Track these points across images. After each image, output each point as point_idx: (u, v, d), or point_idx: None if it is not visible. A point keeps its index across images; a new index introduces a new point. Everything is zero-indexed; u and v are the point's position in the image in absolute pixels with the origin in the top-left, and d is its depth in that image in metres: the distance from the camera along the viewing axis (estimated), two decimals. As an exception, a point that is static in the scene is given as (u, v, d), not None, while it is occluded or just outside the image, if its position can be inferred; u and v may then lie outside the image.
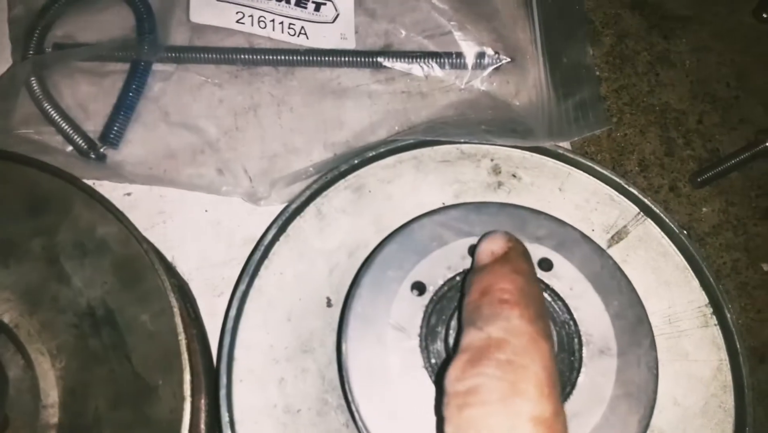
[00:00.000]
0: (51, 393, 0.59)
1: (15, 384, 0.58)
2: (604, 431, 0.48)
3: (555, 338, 0.50)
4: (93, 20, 0.80)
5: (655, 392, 0.49)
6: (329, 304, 0.62)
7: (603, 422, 0.48)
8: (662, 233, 0.64)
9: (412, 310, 0.51)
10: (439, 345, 0.51)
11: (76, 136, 0.74)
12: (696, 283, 0.63)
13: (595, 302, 0.51)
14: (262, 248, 0.62)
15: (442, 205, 0.62)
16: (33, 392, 0.58)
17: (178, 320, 0.58)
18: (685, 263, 0.63)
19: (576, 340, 0.51)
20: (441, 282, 0.52)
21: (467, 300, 0.42)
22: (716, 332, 0.61)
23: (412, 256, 0.53)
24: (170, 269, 0.68)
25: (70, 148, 0.74)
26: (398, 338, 0.50)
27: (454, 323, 0.49)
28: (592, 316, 0.51)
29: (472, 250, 0.53)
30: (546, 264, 0.53)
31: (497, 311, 0.39)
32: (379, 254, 0.54)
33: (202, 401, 0.62)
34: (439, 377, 0.46)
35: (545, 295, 0.52)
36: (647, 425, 0.48)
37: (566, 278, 0.52)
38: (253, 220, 0.72)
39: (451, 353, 0.49)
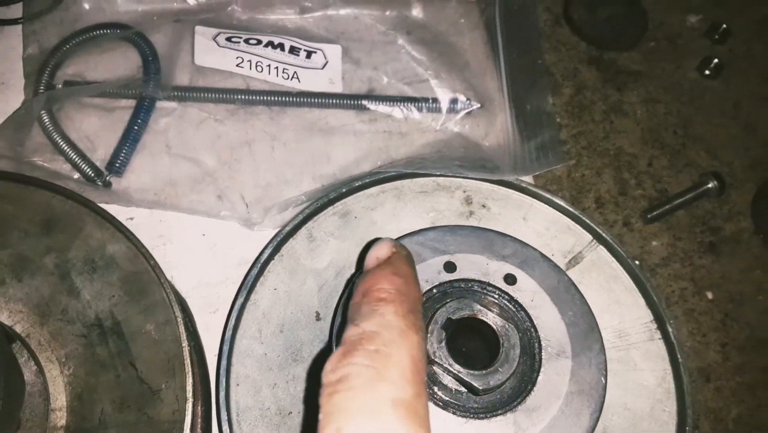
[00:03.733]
0: (60, 397, 0.64)
1: (27, 388, 0.63)
2: (561, 422, 0.55)
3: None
4: (101, 60, 0.88)
5: (604, 389, 0.57)
6: (318, 318, 0.68)
7: (559, 415, 0.55)
8: (613, 258, 0.72)
9: (394, 317, 0.58)
10: (418, 348, 0.58)
11: (83, 165, 0.81)
12: (642, 302, 0.71)
13: (553, 311, 0.59)
14: (258, 266, 0.69)
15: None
16: (43, 396, 0.63)
17: (181, 328, 0.64)
18: (633, 284, 0.71)
19: (536, 344, 0.58)
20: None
21: (351, 302, 0.45)
22: (660, 345, 0.69)
23: (394, 271, 0.60)
24: (172, 286, 0.74)
25: (77, 175, 0.81)
26: (382, 341, 0.57)
27: (431, 327, 0.56)
28: (550, 324, 0.59)
29: (448, 266, 0.61)
30: (511, 279, 0.61)
31: (374, 308, 0.42)
32: (366, 269, 0.61)
33: (200, 407, 0.68)
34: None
35: (510, 305, 0.60)
36: (598, 418, 0.56)
37: (528, 291, 0.60)
38: (246, 244, 0.79)
39: (431, 357, 0.56)
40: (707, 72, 1.04)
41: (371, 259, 0.48)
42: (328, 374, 0.38)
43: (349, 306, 0.44)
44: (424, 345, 0.42)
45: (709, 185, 0.94)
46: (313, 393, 0.37)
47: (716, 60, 1.04)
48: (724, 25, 1.06)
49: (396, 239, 0.63)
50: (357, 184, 0.74)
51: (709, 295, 0.91)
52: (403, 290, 0.44)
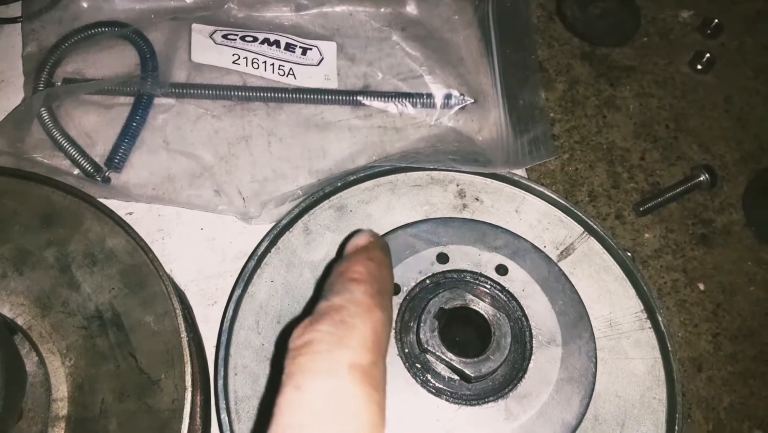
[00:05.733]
0: (61, 388, 0.65)
1: (29, 379, 0.65)
2: (551, 408, 0.56)
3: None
4: (100, 58, 0.89)
5: (594, 376, 0.58)
6: (314, 309, 0.70)
7: (550, 401, 0.56)
8: (603, 249, 0.74)
9: (388, 307, 0.59)
10: (412, 337, 0.59)
11: (82, 161, 0.82)
12: (633, 292, 0.72)
13: (543, 301, 0.60)
14: (255, 259, 0.70)
15: (414, 222, 0.71)
16: (45, 386, 0.65)
17: (180, 320, 0.65)
18: (623, 275, 0.72)
19: (527, 333, 0.59)
20: (413, 284, 0.61)
21: (326, 281, 0.48)
22: (650, 333, 0.70)
23: (388, 262, 0.61)
24: (170, 279, 0.75)
25: (77, 171, 0.82)
26: (376, 330, 0.58)
27: (424, 317, 0.58)
28: (540, 313, 0.60)
29: (440, 257, 0.62)
30: (502, 269, 0.62)
31: (346, 286, 0.45)
32: (360, 260, 0.62)
33: (198, 397, 0.69)
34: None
35: (501, 295, 0.61)
36: (588, 404, 0.57)
37: (519, 281, 0.61)
38: (243, 237, 0.80)
39: (424, 345, 0.57)
40: (699, 66, 1.05)
41: (350, 246, 0.52)
42: (295, 340, 0.41)
43: (324, 285, 0.47)
44: (388, 324, 0.45)
45: (701, 178, 0.95)
46: (280, 358, 0.40)
47: (708, 54, 1.05)
48: (716, 20, 1.07)
49: (390, 231, 0.65)
50: (352, 179, 0.75)
51: (701, 286, 0.92)
52: (375, 274, 0.47)
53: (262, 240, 0.71)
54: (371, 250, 0.50)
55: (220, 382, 0.64)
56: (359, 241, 0.52)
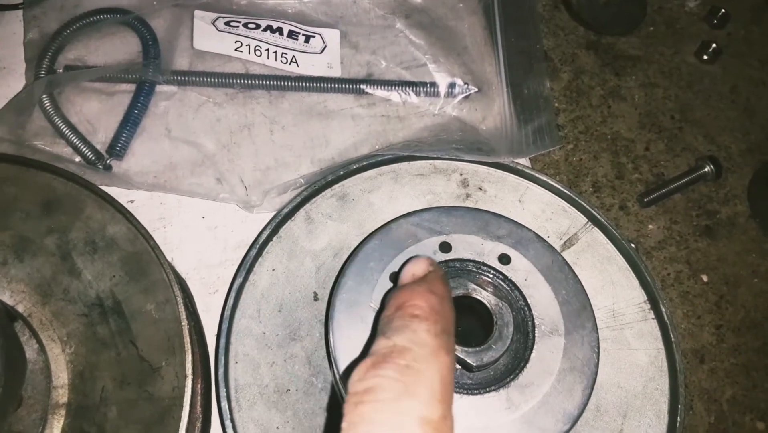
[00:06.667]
0: (61, 375, 0.65)
1: (29, 367, 0.65)
2: (553, 398, 0.56)
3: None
4: (102, 45, 0.88)
5: (597, 366, 0.58)
6: (316, 298, 0.69)
7: (552, 391, 0.56)
8: (607, 239, 0.73)
9: (390, 296, 0.59)
10: (413, 326, 0.58)
11: (83, 148, 0.81)
12: (636, 282, 0.72)
13: (546, 290, 0.60)
14: (257, 247, 0.69)
15: (416, 211, 0.70)
16: (45, 373, 0.65)
17: (181, 308, 0.65)
18: (627, 265, 0.72)
19: (530, 322, 0.59)
20: (415, 273, 0.60)
21: (383, 314, 0.44)
22: (653, 324, 0.70)
23: (390, 251, 0.61)
24: (171, 267, 0.74)
25: (78, 158, 0.81)
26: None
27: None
28: (543, 302, 0.59)
29: (443, 246, 0.62)
30: (505, 259, 0.62)
31: (407, 323, 0.41)
32: (362, 249, 0.62)
33: (199, 385, 0.69)
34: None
35: (504, 285, 0.61)
36: (590, 394, 0.56)
37: (522, 271, 0.61)
38: (245, 226, 0.80)
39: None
40: (705, 57, 1.04)
41: (407, 275, 0.48)
42: (356, 384, 0.37)
43: (381, 318, 0.44)
44: (454, 368, 0.41)
45: (706, 169, 0.94)
46: (337, 401, 0.37)
47: (714, 45, 1.04)
48: (723, 10, 1.06)
49: (392, 220, 0.65)
50: (354, 167, 0.75)
51: (705, 278, 0.91)
52: (438, 309, 0.43)
53: (264, 229, 0.71)
54: (431, 281, 0.46)
55: (221, 370, 0.64)
56: (416, 269, 0.48)
